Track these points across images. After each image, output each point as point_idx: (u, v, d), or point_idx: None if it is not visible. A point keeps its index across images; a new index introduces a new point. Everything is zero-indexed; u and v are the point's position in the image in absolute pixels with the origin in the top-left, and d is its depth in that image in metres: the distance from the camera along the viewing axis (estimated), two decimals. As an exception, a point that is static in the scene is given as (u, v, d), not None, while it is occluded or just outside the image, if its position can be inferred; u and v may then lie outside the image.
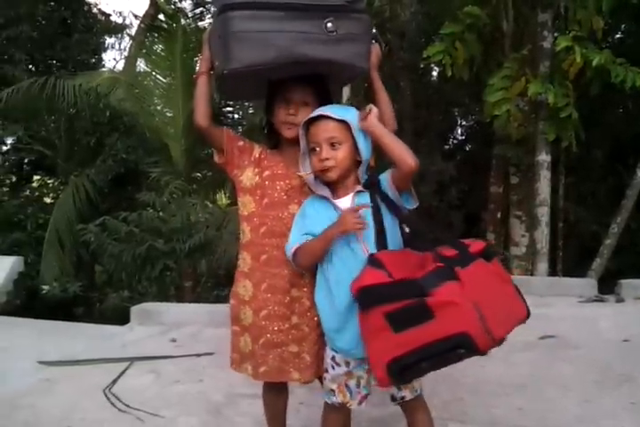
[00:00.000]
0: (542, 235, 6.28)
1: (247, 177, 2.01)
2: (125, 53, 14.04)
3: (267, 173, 1.99)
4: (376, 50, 2.05)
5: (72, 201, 7.62)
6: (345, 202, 1.79)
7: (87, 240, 6.13)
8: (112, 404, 2.91)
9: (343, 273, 1.73)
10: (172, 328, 4.21)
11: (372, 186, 1.78)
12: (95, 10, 12.32)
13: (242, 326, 2.01)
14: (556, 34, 6.76)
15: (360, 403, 1.86)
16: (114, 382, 3.21)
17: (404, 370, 1.55)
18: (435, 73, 11.88)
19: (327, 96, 2.03)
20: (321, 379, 2.05)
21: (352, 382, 1.83)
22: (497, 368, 3.21)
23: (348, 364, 1.82)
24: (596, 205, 8.94)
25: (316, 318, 1.94)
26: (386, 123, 1.89)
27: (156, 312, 4.41)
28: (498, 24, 6.81)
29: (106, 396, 3.01)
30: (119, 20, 14.03)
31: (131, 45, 12.75)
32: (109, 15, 12.99)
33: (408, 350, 1.52)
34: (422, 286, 1.53)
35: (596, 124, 8.71)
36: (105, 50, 13.02)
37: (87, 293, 7.34)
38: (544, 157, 6.26)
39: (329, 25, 1.79)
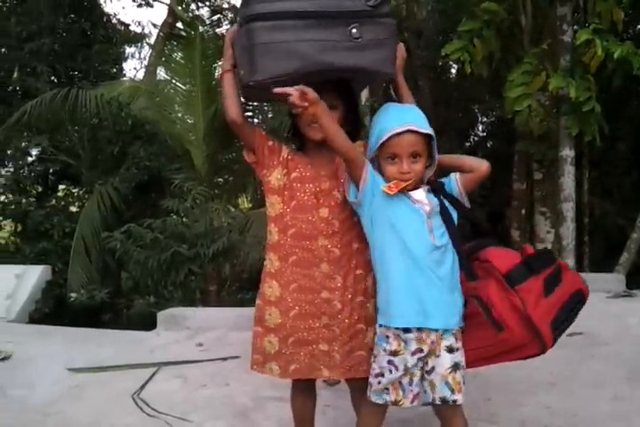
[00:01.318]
0: (568, 231, 6.19)
1: (275, 178, 2.02)
2: (145, 62, 14.26)
3: (294, 174, 2.00)
4: (401, 53, 2.03)
5: (97, 209, 7.71)
6: (419, 194, 1.87)
7: (113, 248, 6.20)
8: (140, 409, 2.93)
9: (411, 258, 1.81)
10: (198, 333, 4.24)
11: (438, 188, 1.91)
12: (114, 20, 12.52)
13: (265, 326, 2.01)
14: (575, 27, 6.68)
15: (412, 401, 1.87)
16: (142, 387, 3.24)
17: (556, 328, 1.81)
18: (453, 71, 11.83)
19: (352, 98, 2.06)
20: (350, 380, 2.06)
21: (405, 380, 1.84)
22: (524, 367, 3.15)
23: (406, 367, 1.82)
24: (622, 199, 8.79)
25: (347, 321, 1.95)
26: None
27: (181, 317, 4.44)
28: (516, 19, 6.75)
29: (134, 401, 3.04)
30: (138, 30, 14.26)
31: (150, 54, 12.94)
32: (128, 25, 13.19)
33: (557, 309, 1.81)
34: (551, 254, 1.98)
35: (619, 117, 8.57)
36: (125, 59, 13.24)
37: (114, 299, 7.42)
38: (567, 152, 6.18)
39: (353, 31, 1.78)
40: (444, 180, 1.96)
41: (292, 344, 1.96)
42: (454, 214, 1.90)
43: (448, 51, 6.06)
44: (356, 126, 2.11)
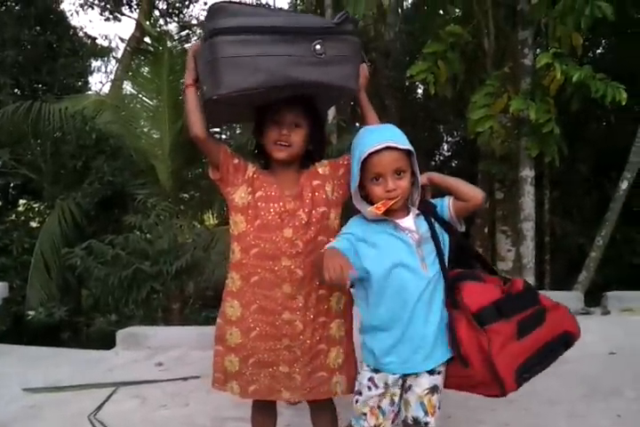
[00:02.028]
0: (528, 249, 6.31)
1: (239, 196, 1.99)
2: (111, 76, 14.17)
3: (259, 193, 1.98)
4: (364, 71, 2.05)
5: (58, 225, 7.56)
6: (407, 221, 1.83)
7: (73, 264, 6.07)
8: (97, 430, 2.86)
9: (402, 291, 1.77)
10: (159, 352, 4.17)
11: (429, 211, 1.87)
12: (81, 33, 12.46)
13: (226, 346, 1.99)
14: (538, 50, 6.87)
15: (393, 421, 1.85)
16: (99, 407, 3.17)
17: (525, 373, 1.75)
18: (420, 91, 12.04)
19: (317, 117, 2.06)
20: (312, 401, 2.05)
21: (385, 402, 1.82)
22: (485, 384, 3.19)
23: (386, 385, 1.81)
24: (582, 219, 9.02)
25: (308, 342, 1.93)
26: None
27: (142, 336, 4.36)
28: (480, 42, 6.91)
29: (91, 422, 2.97)
30: (105, 44, 14.21)
31: (117, 68, 12.87)
32: (95, 39, 13.15)
33: (530, 354, 1.74)
34: (535, 294, 1.86)
35: (580, 139, 8.83)
36: (91, 73, 13.14)
37: (73, 317, 7.26)
38: (527, 173, 6.32)
39: (317, 47, 1.79)
40: (436, 201, 1.92)
41: (252, 365, 1.95)
42: (444, 238, 1.86)
43: (413, 72, 6.15)
44: (321, 144, 2.12)
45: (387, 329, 1.81)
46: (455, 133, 12.95)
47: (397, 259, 1.78)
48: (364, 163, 1.78)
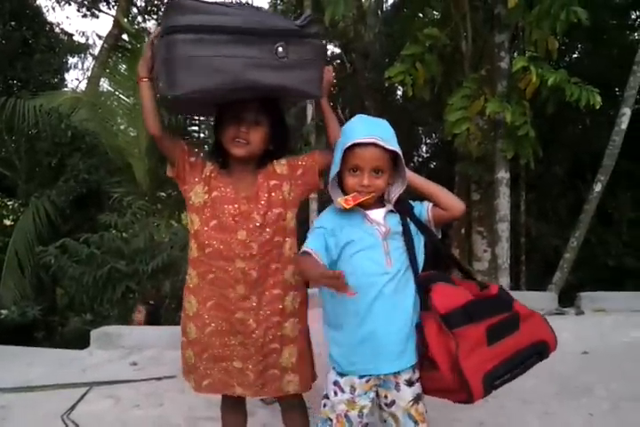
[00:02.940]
0: (503, 250, 6.37)
1: (196, 194, 1.97)
2: (88, 73, 13.98)
3: (215, 193, 1.95)
4: (328, 76, 1.99)
5: (32, 223, 7.44)
6: (377, 214, 1.82)
7: (47, 263, 5.98)
8: (69, 430, 2.83)
9: (360, 279, 1.72)
10: (133, 351, 4.13)
11: (405, 210, 1.85)
12: (57, 29, 12.27)
13: (187, 340, 2.01)
14: (516, 53, 6.94)
15: None
16: (72, 408, 3.13)
17: (494, 380, 1.70)
18: (399, 92, 12.10)
19: (278, 114, 2.02)
20: (281, 398, 2.04)
21: (353, 413, 1.77)
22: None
23: (353, 390, 1.76)
24: (557, 220, 9.14)
25: (261, 340, 1.93)
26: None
27: (116, 335, 4.31)
28: (457, 45, 6.97)
29: (64, 422, 2.93)
30: (82, 40, 14.02)
31: (94, 65, 12.70)
32: (72, 35, 12.99)
33: (500, 361, 1.70)
34: (509, 301, 1.79)
35: (556, 142, 8.95)
36: (67, 70, 12.94)
37: (47, 316, 7.16)
38: (503, 175, 6.38)
39: (279, 50, 1.74)
40: (415, 203, 1.89)
41: (206, 360, 1.96)
42: (419, 239, 1.84)
43: (391, 74, 6.18)
44: (283, 144, 2.08)
45: (345, 326, 1.78)
46: (434, 135, 13.05)
47: (359, 247, 1.77)
48: (347, 151, 1.75)
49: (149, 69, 1.91)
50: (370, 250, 1.76)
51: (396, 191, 1.84)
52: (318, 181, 2.03)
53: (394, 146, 1.76)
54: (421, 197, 1.91)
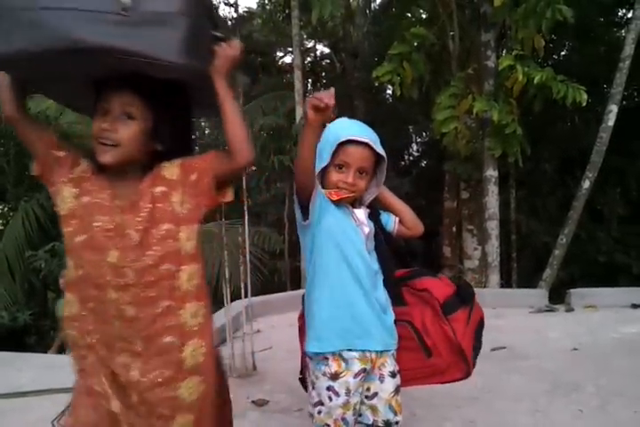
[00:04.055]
0: (493, 248, 6.40)
1: (63, 199, 1.49)
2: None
3: (86, 199, 1.48)
4: (229, 51, 1.50)
5: (22, 227, 7.42)
6: (361, 214, 1.84)
7: (38, 267, 5.96)
8: (59, 436, 2.81)
9: (362, 279, 1.77)
10: (125, 355, 4.12)
11: (375, 215, 1.90)
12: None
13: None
14: (503, 52, 6.98)
15: None
16: (62, 412, 3.10)
17: (477, 352, 1.89)
18: (389, 92, 12.14)
19: (169, 105, 1.53)
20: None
21: (349, 414, 1.76)
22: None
23: (348, 391, 1.74)
24: (547, 217, 9.20)
25: (147, 401, 1.49)
26: (238, 148, 1.51)
27: (107, 339, 4.29)
28: (445, 44, 7.00)
29: (53, 428, 2.91)
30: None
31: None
32: (60, 38, 12.86)
33: (473, 335, 1.89)
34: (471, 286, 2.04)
35: (545, 140, 9.02)
36: (56, 73, 12.85)
37: (39, 321, 7.12)
38: (491, 173, 6.42)
39: (124, 1, 1.28)
40: (382, 212, 1.95)
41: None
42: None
43: (379, 73, 6.20)
44: (181, 143, 1.61)
45: (338, 305, 1.77)
46: (424, 134, 13.10)
47: (352, 247, 1.77)
48: (337, 147, 1.73)
49: None
50: (359, 247, 1.78)
51: (369, 196, 1.89)
52: (213, 190, 1.54)
53: (382, 151, 1.79)
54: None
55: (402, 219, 1.96)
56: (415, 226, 1.97)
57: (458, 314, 1.85)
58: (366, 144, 1.74)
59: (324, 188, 1.78)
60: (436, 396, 3.07)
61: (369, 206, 1.90)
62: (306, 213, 1.75)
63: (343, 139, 1.72)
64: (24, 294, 7.50)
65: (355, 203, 1.85)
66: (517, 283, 8.55)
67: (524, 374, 3.45)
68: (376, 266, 1.82)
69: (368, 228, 1.82)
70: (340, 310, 1.75)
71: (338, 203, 1.76)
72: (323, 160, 1.75)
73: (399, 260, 1.99)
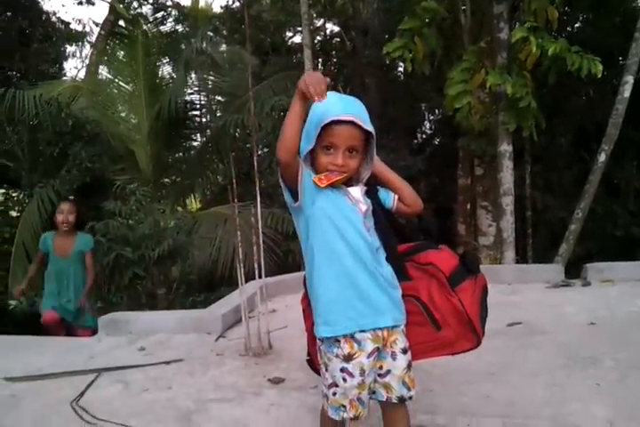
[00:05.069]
0: (508, 224, 6.34)
1: None
2: (87, 61, 13.93)
3: None
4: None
5: (38, 213, 7.47)
6: (356, 191, 1.82)
7: (54, 252, 5.99)
8: (80, 416, 2.85)
9: (363, 257, 1.75)
10: (141, 337, 4.15)
11: (373, 192, 1.89)
12: (54, 18, 12.18)
13: None
14: (516, 25, 6.84)
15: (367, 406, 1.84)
16: (81, 394, 3.15)
17: (484, 321, 1.89)
18: (400, 69, 11.98)
19: None
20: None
21: (364, 393, 1.77)
22: (466, 357, 3.19)
23: (362, 371, 1.74)
24: (563, 192, 9.08)
25: None
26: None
27: (124, 322, 4.33)
28: (456, 18, 6.87)
29: (73, 409, 2.95)
30: (79, 28, 13.91)
31: (91, 53, 12.64)
32: (69, 23, 12.86)
33: (479, 304, 1.88)
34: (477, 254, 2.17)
35: (560, 113, 8.86)
36: (65, 59, 12.90)
37: (57, 305, 7.18)
38: (506, 148, 6.33)
39: None
40: (380, 189, 1.91)
41: None
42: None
43: (389, 49, 6.12)
44: None
45: (342, 286, 1.75)
46: (437, 111, 12.93)
47: (349, 226, 1.75)
48: (322, 128, 1.69)
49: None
50: (357, 225, 1.77)
51: (365, 173, 1.85)
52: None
53: (369, 126, 1.72)
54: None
55: (400, 195, 1.92)
56: (414, 203, 1.93)
57: (464, 284, 1.85)
58: (352, 122, 1.69)
59: (314, 171, 1.76)
60: (451, 372, 3.07)
61: (367, 184, 1.87)
62: (295, 195, 1.74)
63: (327, 121, 1.67)
64: (41, 280, 7.58)
65: (350, 181, 1.83)
66: (533, 259, 8.48)
67: (540, 349, 3.43)
68: (377, 243, 1.81)
69: (365, 205, 1.81)
70: (345, 291, 1.73)
71: (330, 186, 1.73)
72: (310, 142, 1.72)
73: (401, 235, 1.96)
